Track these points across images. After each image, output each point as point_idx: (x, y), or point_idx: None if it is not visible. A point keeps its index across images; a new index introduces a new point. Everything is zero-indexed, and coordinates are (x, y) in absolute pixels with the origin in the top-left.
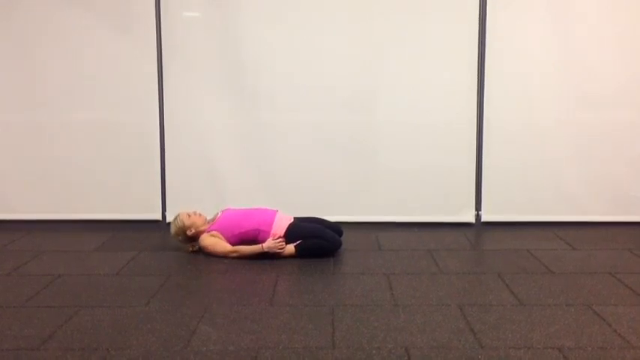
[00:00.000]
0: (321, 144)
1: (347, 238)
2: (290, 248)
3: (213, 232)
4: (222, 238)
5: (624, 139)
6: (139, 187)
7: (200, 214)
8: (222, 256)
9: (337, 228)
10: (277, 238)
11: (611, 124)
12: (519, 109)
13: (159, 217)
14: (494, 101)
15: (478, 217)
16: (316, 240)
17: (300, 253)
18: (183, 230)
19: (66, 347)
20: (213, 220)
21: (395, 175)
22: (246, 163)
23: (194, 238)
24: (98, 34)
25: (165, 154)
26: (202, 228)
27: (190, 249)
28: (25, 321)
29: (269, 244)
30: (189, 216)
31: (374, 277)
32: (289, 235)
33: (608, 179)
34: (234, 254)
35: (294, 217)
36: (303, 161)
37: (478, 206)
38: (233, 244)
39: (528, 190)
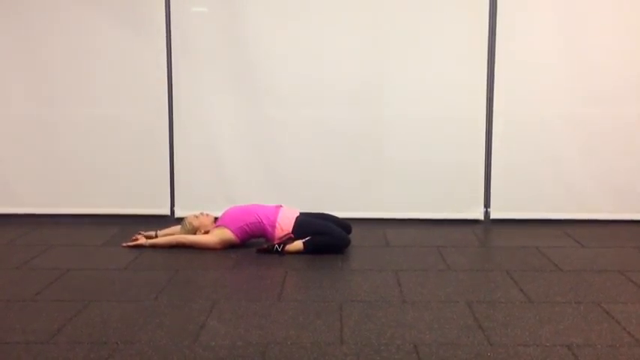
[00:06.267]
0: (329, 140)
1: (355, 234)
2: (298, 244)
3: (220, 227)
4: (230, 232)
5: (634, 137)
6: (148, 182)
7: (207, 214)
8: (234, 244)
9: (346, 225)
10: (285, 234)
11: (620, 121)
12: (529, 106)
13: (167, 212)
14: (503, 98)
15: (487, 214)
16: (325, 237)
17: (308, 250)
18: (193, 232)
19: (75, 341)
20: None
21: (403, 171)
22: (254, 158)
23: None
24: (108, 30)
25: (174, 149)
26: (210, 227)
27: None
28: (35, 315)
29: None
30: (196, 217)
31: (382, 273)
32: (298, 231)
33: (617, 177)
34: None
35: (301, 213)
36: (311, 157)
37: (487, 203)
38: (240, 238)
39: (537, 188)
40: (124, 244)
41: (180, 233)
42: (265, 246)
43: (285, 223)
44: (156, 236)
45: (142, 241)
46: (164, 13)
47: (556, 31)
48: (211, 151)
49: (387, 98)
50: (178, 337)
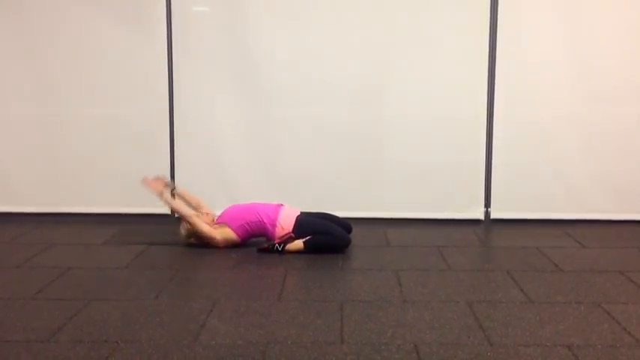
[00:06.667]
0: (330, 139)
1: (355, 234)
2: (299, 243)
3: (220, 224)
4: (231, 230)
5: (634, 137)
6: None
7: (207, 213)
8: (235, 243)
9: (346, 224)
10: (286, 234)
11: (621, 121)
12: (529, 106)
13: (168, 211)
14: (504, 98)
15: (487, 213)
16: (325, 236)
17: (309, 249)
18: (194, 231)
19: (76, 339)
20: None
21: (404, 171)
22: (254, 157)
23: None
24: (109, 30)
25: (175, 148)
26: (211, 226)
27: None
28: (35, 313)
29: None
30: (197, 216)
31: (382, 273)
32: (298, 230)
33: (617, 177)
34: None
35: (302, 212)
36: (312, 156)
37: (487, 203)
38: (240, 237)
39: (538, 188)
40: (145, 181)
41: (182, 232)
42: (266, 245)
43: (285, 223)
44: (173, 192)
45: (159, 189)
46: (165, 13)
47: (556, 32)
48: (212, 150)
49: (388, 98)
50: (179, 336)
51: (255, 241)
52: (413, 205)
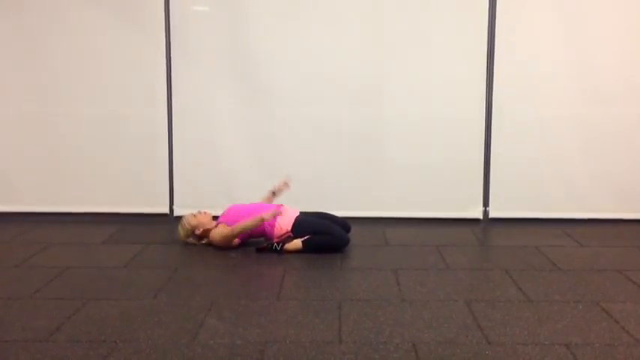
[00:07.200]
0: (329, 139)
1: (354, 233)
2: (297, 243)
3: (221, 225)
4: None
5: (634, 136)
6: (147, 181)
7: (205, 212)
8: (234, 245)
9: (345, 224)
10: (284, 233)
11: (620, 120)
12: (528, 105)
13: (166, 210)
14: (503, 97)
15: (486, 213)
16: (324, 236)
17: (308, 249)
18: (192, 231)
19: (74, 339)
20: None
21: (403, 170)
22: (253, 157)
23: (203, 236)
24: (108, 29)
25: (174, 147)
26: (209, 226)
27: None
28: (34, 313)
29: (267, 214)
30: (194, 216)
31: (381, 272)
32: (297, 230)
33: (617, 176)
34: (238, 229)
35: (301, 212)
36: (311, 156)
37: (486, 202)
38: (240, 237)
39: (537, 187)
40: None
41: (180, 232)
42: (265, 245)
43: (284, 222)
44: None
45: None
46: (163, 13)
47: (556, 31)
48: (210, 150)
49: (387, 97)
50: (177, 335)
51: (255, 241)
52: (412, 204)
